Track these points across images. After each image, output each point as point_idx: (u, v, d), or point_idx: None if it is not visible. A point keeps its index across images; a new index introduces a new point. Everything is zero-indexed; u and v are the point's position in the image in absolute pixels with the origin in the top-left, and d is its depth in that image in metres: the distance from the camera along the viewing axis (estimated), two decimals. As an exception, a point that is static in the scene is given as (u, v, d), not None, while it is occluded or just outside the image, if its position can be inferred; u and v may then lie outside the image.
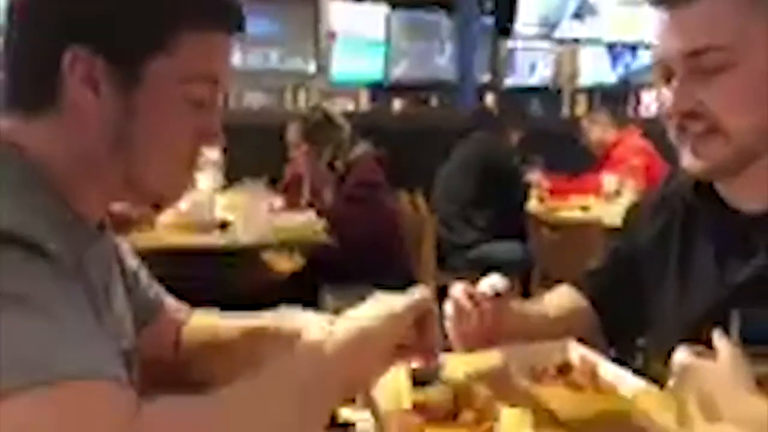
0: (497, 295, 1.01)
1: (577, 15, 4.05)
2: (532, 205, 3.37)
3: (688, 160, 0.91)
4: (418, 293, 0.76)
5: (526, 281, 3.07)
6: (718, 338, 0.78)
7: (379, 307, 0.73)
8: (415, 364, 0.94)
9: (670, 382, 0.77)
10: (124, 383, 0.56)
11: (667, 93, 0.90)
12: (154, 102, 0.70)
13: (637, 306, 1.09)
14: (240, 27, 0.76)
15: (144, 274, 0.95)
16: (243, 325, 0.96)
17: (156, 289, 0.97)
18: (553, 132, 4.24)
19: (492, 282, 1.03)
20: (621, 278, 1.13)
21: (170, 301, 0.99)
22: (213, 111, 0.75)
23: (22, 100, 0.70)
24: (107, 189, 0.74)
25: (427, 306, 0.76)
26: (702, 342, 0.79)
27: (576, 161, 3.68)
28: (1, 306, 0.53)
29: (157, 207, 0.79)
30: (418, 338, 0.76)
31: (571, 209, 3.20)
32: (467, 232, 3.14)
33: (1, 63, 0.71)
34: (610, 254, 1.20)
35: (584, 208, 3.15)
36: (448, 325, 1.04)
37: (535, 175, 3.89)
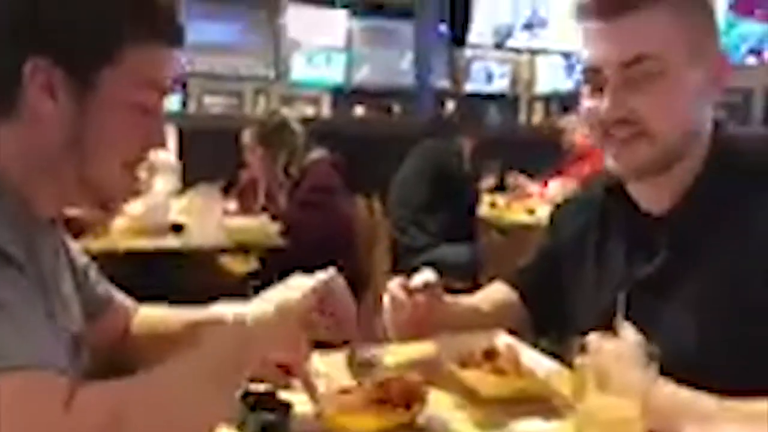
0: (427, 287, 1.09)
1: (528, 26, 4.18)
2: (483, 209, 3.47)
3: (612, 163, 0.97)
4: (324, 276, 0.89)
5: (476, 282, 3.16)
6: (623, 325, 0.87)
7: (290, 288, 0.85)
8: (357, 353, 1.03)
9: (576, 361, 0.84)
10: (60, 371, 0.63)
11: (592, 102, 0.95)
12: (104, 107, 0.77)
13: (560, 300, 1.16)
14: (179, 40, 0.83)
15: (93, 272, 1.01)
16: (187, 316, 1.03)
17: (105, 285, 1.04)
18: (509, 138, 4.35)
19: (423, 276, 1.11)
20: (546, 274, 1.21)
21: (119, 296, 1.06)
22: (158, 118, 0.82)
23: None
24: (62, 190, 0.80)
25: (330, 285, 0.89)
26: (611, 331, 0.87)
27: (533, 165, 3.79)
28: None
29: (107, 209, 0.85)
30: (325, 313, 0.89)
31: (518, 212, 3.31)
32: (420, 236, 3.23)
33: None
34: (537, 252, 1.28)
35: (530, 212, 3.25)
36: (385, 316, 1.12)
37: (490, 181, 4.00)
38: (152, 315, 1.06)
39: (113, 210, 0.86)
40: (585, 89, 0.98)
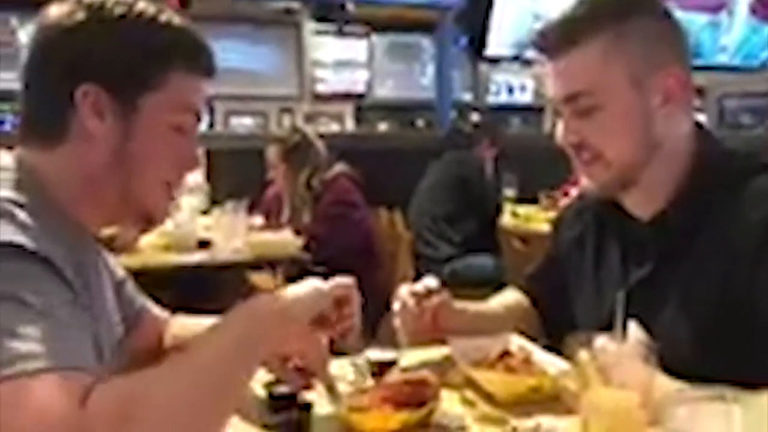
0: (430, 293, 1.13)
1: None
2: (505, 219, 3.49)
3: (583, 181, 1.05)
4: (347, 280, 0.93)
5: (499, 291, 3.16)
6: (627, 323, 0.90)
7: (307, 284, 0.88)
8: (372, 354, 1.08)
9: (578, 356, 0.88)
10: (84, 371, 0.67)
11: (558, 127, 1.03)
12: (146, 129, 0.85)
13: (568, 304, 1.20)
14: (212, 71, 0.92)
15: (129, 284, 1.09)
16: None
17: (140, 298, 1.11)
18: (531, 148, 4.36)
19: (425, 282, 1.15)
20: (553, 280, 1.25)
21: (153, 308, 1.13)
22: (193, 140, 0.91)
23: (39, 131, 0.85)
24: (106, 207, 0.87)
25: (348, 289, 0.92)
26: (612, 331, 0.91)
27: (555, 175, 3.79)
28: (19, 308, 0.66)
29: (148, 226, 0.92)
30: (339, 315, 0.92)
31: (539, 222, 3.31)
32: (442, 247, 3.26)
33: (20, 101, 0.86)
34: (544, 260, 1.32)
35: (550, 221, 3.25)
36: (396, 321, 1.17)
37: (511, 191, 4.02)
38: (184, 325, 1.12)
39: (153, 227, 0.92)
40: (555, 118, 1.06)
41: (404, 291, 1.16)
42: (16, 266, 0.68)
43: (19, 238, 0.70)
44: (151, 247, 2.58)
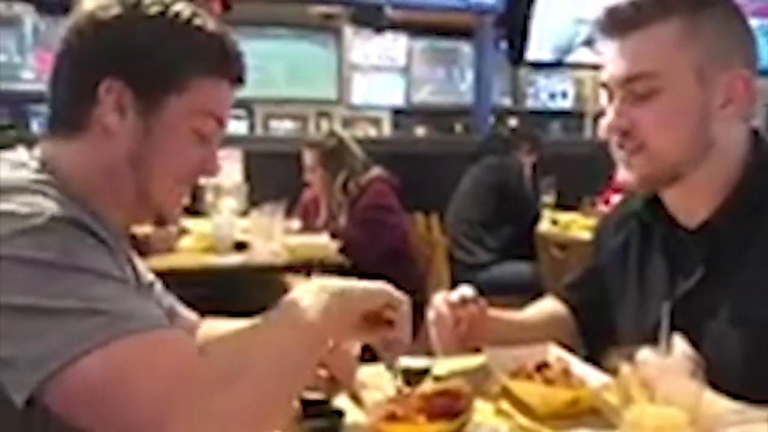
0: (465, 302, 1.11)
1: (588, 42, 4.14)
2: (543, 226, 3.44)
3: (621, 174, 1.01)
4: (403, 296, 0.88)
5: (537, 299, 3.12)
6: (672, 336, 0.86)
7: (359, 282, 0.84)
8: (404, 362, 1.06)
9: (620, 370, 0.84)
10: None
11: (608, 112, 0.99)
12: (167, 130, 0.84)
13: (608, 314, 1.17)
14: (241, 79, 0.90)
15: (158, 286, 1.08)
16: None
17: (169, 299, 1.10)
18: (571, 154, 4.30)
19: (461, 291, 1.13)
20: (593, 289, 1.22)
21: (183, 310, 1.12)
22: (212, 147, 0.89)
23: (62, 122, 0.84)
24: (121, 203, 0.86)
25: (401, 299, 0.87)
26: (656, 343, 0.88)
27: (596, 181, 3.72)
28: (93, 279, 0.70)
29: (160, 223, 0.92)
30: (389, 327, 0.87)
31: (578, 229, 3.26)
32: (479, 253, 3.22)
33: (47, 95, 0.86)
34: (584, 268, 1.29)
35: (591, 229, 3.19)
36: (431, 330, 1.15)
37: (550, 198, 3.96)
38: (213, 327, 1.11)
39: (165, 224, 0.92)
40: (607, 104, 1.02)
41: (439, 300, 1.14)
42: (83, 240, 0.72)
43: (71, 213, 0.73)
44: (190, 249, 2.62)
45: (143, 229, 2.76)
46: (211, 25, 0.87)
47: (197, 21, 0.85)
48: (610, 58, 0.98)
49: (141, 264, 1.03)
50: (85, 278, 0.69)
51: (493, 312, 1.18)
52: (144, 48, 0.83)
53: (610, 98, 0.99)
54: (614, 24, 0.97)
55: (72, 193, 0.81)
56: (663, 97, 0.94)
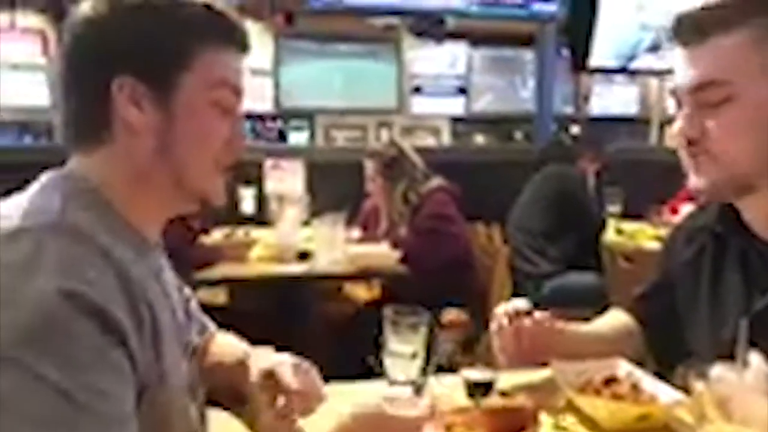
0: (518, 314, 1.11)
1: (653, 48, 4.03)
2: (609, 236, 3.35)
3: (692, 182, 0.98)
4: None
5: (604, 311, 3.04)
6: (749, 354, 0.84)
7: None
8: (469, 375, 1.06)
9: (694, 388, 0.83)
10: None
11: (678, 120, 0.97)
12: (187, 110, 0.83)
13: (678, 328, 1.13)
14: (245, 46, 0.89)
15: (194, 302, 1.09)
16: (238, 353, 1.07)
17: (202, 315, 1.11)
18: (637, 162, 4.19)
19: (514, 304, 1.14)
20: (663, 302, 1.19)
21: (210, 324, 1.14)
22: (237, 118, 0.88)
23: (83, 136, 0.83)
24: (160, 196, 0.85)
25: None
26: (731, 360, 0.85)
27: (662, 190, 3.62)
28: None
29: (206, 205, 0.89)
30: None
31: (645, 239, 3.16)
32: (541, 264, 3.17)
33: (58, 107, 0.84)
34: (653, 281, 1.25)
35: (657, 238, 3.10)
36: (494, 342, 1.14)
37: (616, 207, 3.86)
38: (219, 344, 1.11)
39: (209, 207, 0.90)
40: (677, 111, 1.00)
41: (500, 311, 1.14)
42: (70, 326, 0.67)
43: (79, 287, 0.68)
44: (258, 258, 2.69)
45: (214, 238, 2.86)
46: None
47: None
48: (680, 65, 0.96)
49: (170, 275, 0.97)
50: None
51: (559, 324, 1.17)
52: (142, 36, 0.81)
53: (680, 106, 0.97)
54: (685, 31, 0.95)
55: (108, 209, 0.79)
56: (734, 106, 0.91)
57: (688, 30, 0.95)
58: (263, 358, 1.01)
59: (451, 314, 2.58)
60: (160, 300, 0.83)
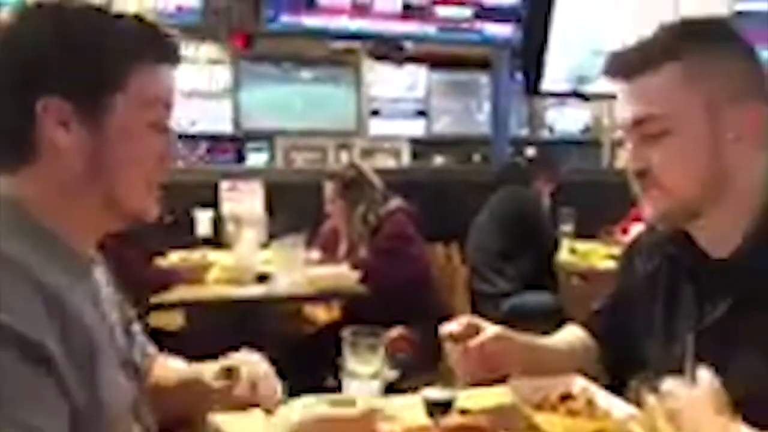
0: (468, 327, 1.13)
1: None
2: (563, 255, 3.43)
3: (645, 212, 1.02)
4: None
5: (559, 329, 3.09)
6: (698, 368, 0.87)
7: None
8: (429, 394, 1.07)
9: (646, 402, 0.86)
10: None
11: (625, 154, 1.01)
12: (121, 131, 0.80)
13: (633, 343, 1.16)
14: (177, 59, 0.87)
15: (137, 325, 1.06)
16: (181, 374, 1.08)
17: (142, 335, 1.08)
18: (589, 183, 4.30)
19: (459, 321, 1.15)
20: (619, 318, 1.21)
21: (150, 346, 1.10)
22: (169, 133, 0.86)
23: (6, 156, 0.80)
24: (91, 215, 0.83)
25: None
26: (682, 374, 0.88)
27: (613, 210, 3.71)
28: None
29: (138, 221, 0.87)
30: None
31: (598, 258, 3.25)
32: (499, 283, 3.22)
33: None
34: (609, 296, 1.28)
35: (611, 257, 3.19)
36: (451, 356, 1.16)
37: (569, 227, 3.95)
38: (165, 366, 1.10)
39: (143, 223, 0.88)
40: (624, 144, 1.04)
41: (453, 326, 1.14)
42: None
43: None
44: (215, 280, 2.65)
45: (171, 260, 2.82)
46: (129, 10, 0.82)
47: (114, 11, 0.81)
48: (620, 101, 1.00)
49: (109, 292, 0.94)
50: None
51: (519, 337, 1.18)
52: (68, 56, 0.78)
53: (626, 139, 1.01)
54: (620, 68, 0.99)
55: (36, 230, 0.77)
56: (674, 138, 0.95)
57: (624, 66, 0.99)
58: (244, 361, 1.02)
59: (393, 332, 2.57)
60: (96, 323, 0.81)
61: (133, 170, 0.83)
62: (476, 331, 1.13)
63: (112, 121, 0.80)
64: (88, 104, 0.79)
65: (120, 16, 0.82)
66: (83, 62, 0.79)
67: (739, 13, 4.24)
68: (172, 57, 0.86)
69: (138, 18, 0.83)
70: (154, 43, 0.84)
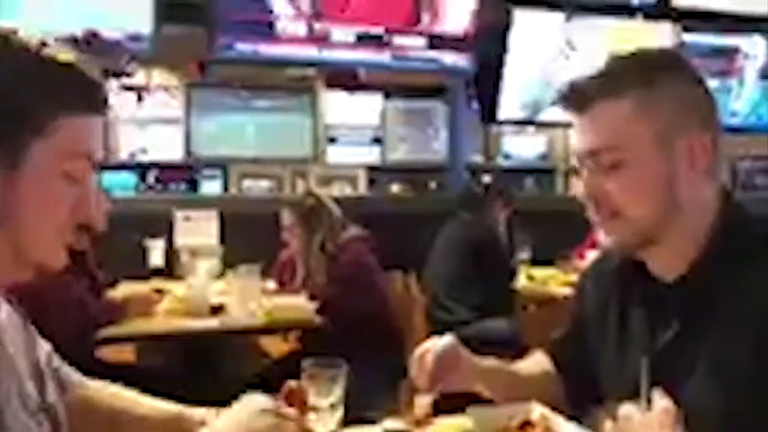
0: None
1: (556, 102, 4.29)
2: (520, 282, 3.45)
3: (602, 240, 1.04)
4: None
5: (520, 355, 3.10)
6: (652, 391, 0.89)
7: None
8: (387, 425, 1.05)
9: (606, 426, 0.86)
10: None
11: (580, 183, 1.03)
12: (34, 180, 0.76)
13: (590, 372, 1.16)
14: (106, 109, 0.83)
15: (55, 355, 1.03)
16: (114, 403, 1.07)
17: (62, 371, 1.04)
18: (544, 210, 4.36)
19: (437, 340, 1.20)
20: (576, 348, 1.22)
21: (73, 374, 1.07)
22: (87, 187, 0.82)
23: None
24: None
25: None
26: (636, 398, 0.89)
27: (569, 237, 3.77)
28: None
29: (43, 272, 0.83)
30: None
31: (556, 285, 3.28)
32: (457, 311, 3.21)
33: None
34: (567, 326, 1.29)
35: (569, 284, 3.22)
36: (413, 369, 1.18)
37: (525, 253, 3.99)
38: (118, 395, 1.09)
39: (48, 274, 0.83)
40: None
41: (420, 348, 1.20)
42: None
43: None
44: (167, 312, 2.57)
45: (121, 293, 2.72)
46: (63, 55, 0.78)
47: (45, 54, 0.77)
48: (575, 131, 1.02)
49: (18, 340, 0.90)
50: None
51: (486, 362, 1.22)
52: None
53: (582, 168, 1.02)
54: (573, 100, 1.01)
55: None
56: (628, 168, 0.97)
57: (577, 98, 1.00)
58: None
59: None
60: (3, 375, 0.79)
61: (41, 221, 0.78)
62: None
63: (27, 170, 0.76)
64: (8, 150, 0.75)
65: (51, 61, 0.77)
66: (7, 105, 0.74)
67: (683, 44, 4.42)
68: (99, 105, 0.82)
69: (69, 65, 0.79)
70: (82, 92, 0.80)
